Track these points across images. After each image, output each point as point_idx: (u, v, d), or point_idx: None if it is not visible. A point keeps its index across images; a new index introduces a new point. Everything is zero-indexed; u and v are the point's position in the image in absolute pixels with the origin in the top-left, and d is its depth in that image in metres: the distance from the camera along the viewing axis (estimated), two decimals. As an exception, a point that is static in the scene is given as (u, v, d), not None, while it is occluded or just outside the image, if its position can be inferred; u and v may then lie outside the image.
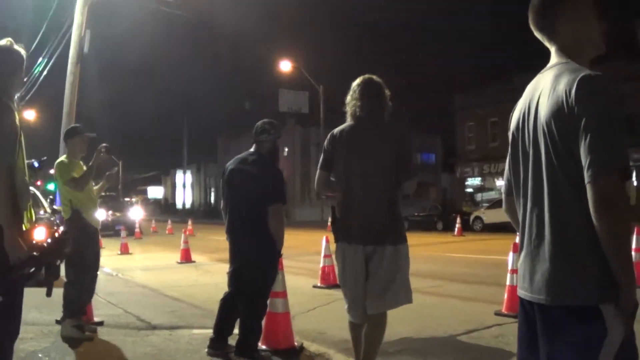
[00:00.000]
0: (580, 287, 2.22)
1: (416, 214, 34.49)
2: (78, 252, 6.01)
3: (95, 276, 6.75)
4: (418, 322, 7.13)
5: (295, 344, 5.88)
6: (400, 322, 6.19)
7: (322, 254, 10.78)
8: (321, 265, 10.75)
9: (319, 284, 10.52)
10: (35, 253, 3.35)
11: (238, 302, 5.58)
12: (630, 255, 2.22)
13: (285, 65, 39.46)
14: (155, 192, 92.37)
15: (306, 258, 15.24)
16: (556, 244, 2.29)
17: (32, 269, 3.35)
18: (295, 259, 14.81)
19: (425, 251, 17.44)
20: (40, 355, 5.59)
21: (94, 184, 6.80)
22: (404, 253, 4.59)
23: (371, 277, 4.53)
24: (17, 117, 3.47)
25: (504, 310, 7.57)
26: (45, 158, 5.10)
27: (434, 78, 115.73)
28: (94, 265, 6.68)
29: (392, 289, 4.52)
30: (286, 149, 52.19)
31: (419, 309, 6.67)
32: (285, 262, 6.07)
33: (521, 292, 2.45)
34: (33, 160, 4.85)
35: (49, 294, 3.51)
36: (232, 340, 5.64)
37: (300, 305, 8.12)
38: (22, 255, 3.28)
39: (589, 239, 2.19)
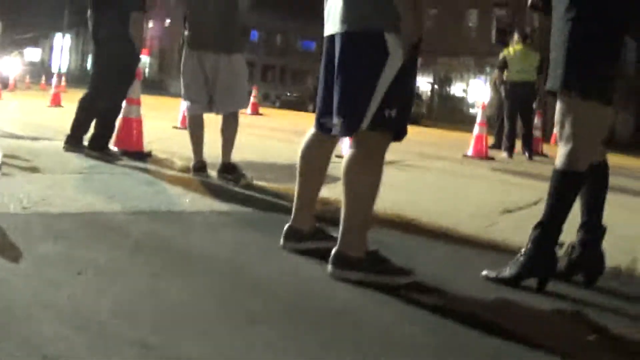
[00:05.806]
0: (369, 17, 2.68)
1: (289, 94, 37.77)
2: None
3: None
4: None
5: (144, 149, 6.15)
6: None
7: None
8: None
9: (179, 126, 10.00)
10: None
11: (96, 101, 5.75)
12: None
13: None
14: (33, 54, 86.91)
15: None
16: None
17: None
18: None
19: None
20: None
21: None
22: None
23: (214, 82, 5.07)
24: None
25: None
26: None
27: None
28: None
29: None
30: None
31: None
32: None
33: (326, 33, 2.85)
34: None
35: None
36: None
37: (157, 134, 8.15)
38: None
39: None
